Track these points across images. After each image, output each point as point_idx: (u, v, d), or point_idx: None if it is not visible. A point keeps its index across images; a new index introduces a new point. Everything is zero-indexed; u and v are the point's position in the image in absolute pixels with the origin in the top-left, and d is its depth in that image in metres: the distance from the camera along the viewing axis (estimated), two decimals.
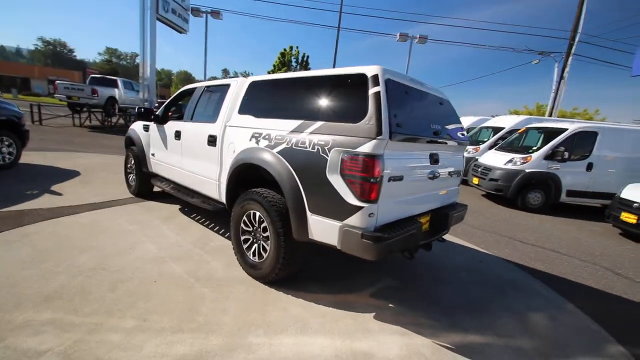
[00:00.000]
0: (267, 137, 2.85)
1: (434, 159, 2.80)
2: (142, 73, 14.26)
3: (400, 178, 2.40)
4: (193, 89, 4.38)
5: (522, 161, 7.54)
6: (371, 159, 2.17)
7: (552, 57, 21.33)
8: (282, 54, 32.87)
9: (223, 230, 4.18)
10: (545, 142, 7.91)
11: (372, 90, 2.28)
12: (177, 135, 4.18)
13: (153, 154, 4.88)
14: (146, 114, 4.70)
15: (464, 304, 2.97)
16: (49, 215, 4.04)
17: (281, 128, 2.76)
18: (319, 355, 2.10)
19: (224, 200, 3.47)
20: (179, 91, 4.71)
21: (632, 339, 2.69)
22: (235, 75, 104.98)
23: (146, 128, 5.06)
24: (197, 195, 3.96)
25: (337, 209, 2.33)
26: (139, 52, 14.13)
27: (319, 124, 2.49)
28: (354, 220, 2.26)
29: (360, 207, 2.22)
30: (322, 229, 2.45)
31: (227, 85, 3.66)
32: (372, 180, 2.19)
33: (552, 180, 7.35)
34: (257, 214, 2.88)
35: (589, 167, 7.27)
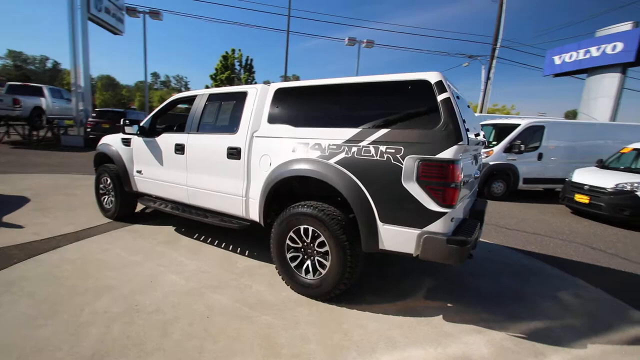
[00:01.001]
0: (317, 147, 2.70)
1: (476, 160, 2.94)
2: (74, 80, 12.54)
3: (466, 181, 2.47)
4: (191, 98, 3.97)
5: (484, 155, 8.30)
6: (453, 165, 2.20)
7: (479, 60, 23.79)
8: (225, 57, 31.69)
9: (240, 248, 3.86)
10: (497, 137, 8.84)
11: (441, 97, 2.30)
12: (179, 149, 3.75)
13: (139, 171, 4.31)
14: (139, 127, 4.13)
15: (504, 293, 3.16)
16: (23, 254, 3.32)
17: (334, 137, 2.64)
18: None
19: (254, 217, 3.20)
20: (169, 100, 4.24)
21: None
22: (167, 80, 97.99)
23: (126, 142, 4.45)
24: (214, 214, 3.60)
25: (416, 217, 2.31)
26: (69, 56, 12.38)
27: (382, 131, 2.43)
28: (436, 226, 2.26)
29: (443, 213, 2.23)
30: (396, 238, 2.40)
31: (243, 93, 3.39)
32: (453, 185, 2.21)
33: (511, 171, 8.24)
34: (310, 229, 2.72)
35: (540, 156, 8.31)
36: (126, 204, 4.67)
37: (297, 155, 2.80)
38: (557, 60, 22.20)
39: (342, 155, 2.56)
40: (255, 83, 35.37)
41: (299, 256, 2.86)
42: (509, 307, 2.90)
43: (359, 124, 2.57)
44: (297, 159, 2.78)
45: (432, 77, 2.40)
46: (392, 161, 2.35)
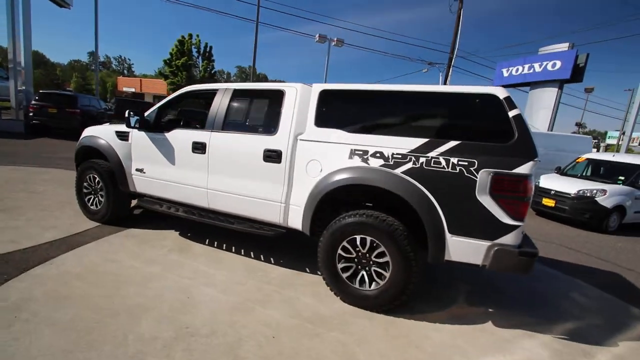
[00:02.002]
0: (379, 155, 2.62)
1: None
2: (13, 56, 10.75)
3: None
4: (210, 92, 3.62)
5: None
6: (527, 180, 2.28)
7: (436, 67, 25.20)
8: (181, 42, 29.65)
9: (262, 255, 3.63)
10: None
11: (512, 113, 2.37)
12: (199, 147, 3.39)
13: (140, 170, 3.84)
14: (141, 120, 3.64)
15: (530, 296, 3.40)
16: (11, 269, 2.77)
17: (397, 146, 2.58)
18: None
19: (294, 225, 3.03)
20: (180, 92, 3.81)
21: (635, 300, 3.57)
22: (107, 60, 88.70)
23: (123, 136, 3.93)
24: (243, 220, 3.33)
25: (487, 229, 2.36)
26: (6, 27, 10.58)
27: (452, 143, 2.44)
28: (508, 239, 2.32)
29: (516, 226, 2.31)
30: (464, 249, 2.43)
31: (279, 92, 3.17)
32: (525, 199, 2.30)
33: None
34: (368, 239, 2.64)
35: None
36: (120, 206, 4.13)
37: (355, 163, 2.69)
38: (506, 73, 24.27)
39: (409, 166, 2.52)
40: (214, 72, 33.81)
41: (351, 266, 2.76)
42: (540, 309, 3.12)
43: (424, 135, 2.55)
44: (357, 166, 2.67)
45: (500, 92, 2.45)
46: (466, 174, 2.36)
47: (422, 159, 2.49)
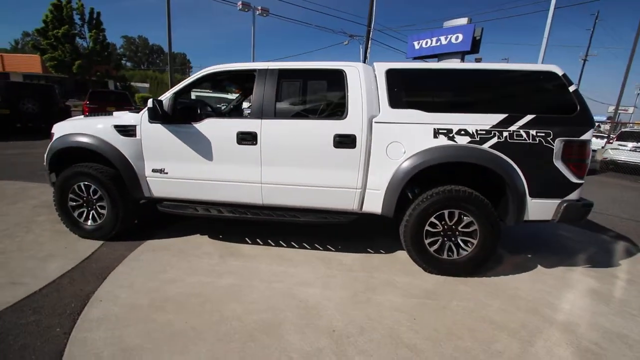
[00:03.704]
0: (463, 133, 2.75)
1: None
2: None
3: None
4: (246, 73, 3.19)
5: None
6: (588, 144, 2.72)
7: (356, 39, 26.04)
8: (57, 7, 24.04)
9: (315, 244, 3.51)
10: None
11: (572, 88, 2.75)
12: (247, 138, 3.01)
13: (160, 170, 3.23)
14: (158, 109, 2.99)
15: (546, 243, 4.12)
16: (57, 319, 2.14)
17: (479, 123, 2.75)
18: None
19: (372, 209, 3.02)
20: (202, 74, 3.23)
21: None
22: None
23: (128, 131, 3.21)
24: (310, 212, 3.13)
25: (560, 189, 2.77)
26: None
27: (529, 117, 2.72)
28: (574, 195, 2.78)
29: (580, 184, 2.76)
30: (540, 209, 2.82)
31: (338, 72, 2.99)
32: (587, 161, 2.76)
33: None
34: (456, 212, 2.83)
35: None
36: (129, 217, 3.43)
37: (442, 142, 2.77)
38: (417, 45, 26.37)
39: (494, 140, 2.73)
40: (107, 42, 28.19)
41: (437, 240, 2.93)
42: (561, 252, 3.83)
43: (501, 110, 2.77)
44: (445, 145, 2.76)
45: (557, 69, 2.80)
46: (544, 143, 2.69)
47: (505, 133, 2.72)
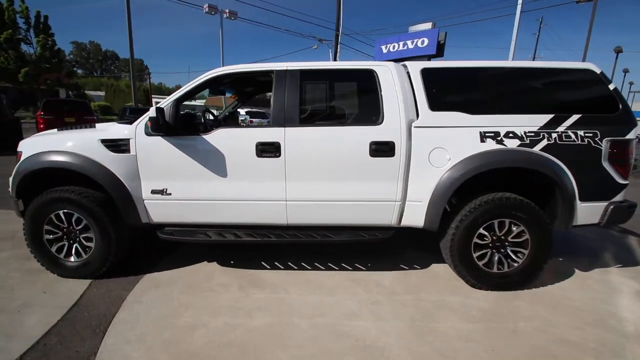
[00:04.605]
0: (512, 135, 2.54)
1: None
2: None
3: None
4: (260, 75, 2.80)
5: None
6: (632, 143, 2.63)
7: (325, 43, 26.04)
8: None
9: (357, 262, 3.15)
10: None
11: (611, 86, 2.65)
12: (269, 149, 2.60)
13: (161, 191, 2.73)
14: (159, 120, 2.49)
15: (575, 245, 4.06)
16: None
17: (526, 124, 2.56)
18: None
19: (412, 222, 2.73)
20: (207, 77, 2.76)
21: None
22: None
23: (119, 147, 2.68)
24: (342, 230, 2.78)
25: (608, 191, 2.64)
26: None
27: (575, 117, 2.57)
28: (620, 196, 2.66)
29: (625, 185, 2.66)
30: (589, 213, 2.67)
31: (367, 73, 2.69)
32: (631, 160, 2.66)
33: None
34: (507, 221, 2.61)
35: None
36: (123, 249, 2.87)
37: (490, 146, 2.54)
38: (384, 49, 26.84)
39: (544, 142, 2.54)
40: (57, 48, 25.68)
41: (486, 252, 2.69)
42: (588, 255, 3.77)
43: (546, 110, 2.60)
44: (495, 150, 2.53)
45: (594, 67, 2.70)
46: (593, 144, 2.55)
47: (554, 135, 2.55)
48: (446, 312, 2.41)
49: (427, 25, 25.21)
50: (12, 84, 23.39)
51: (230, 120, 4.17)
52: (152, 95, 40.47)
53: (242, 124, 3.18)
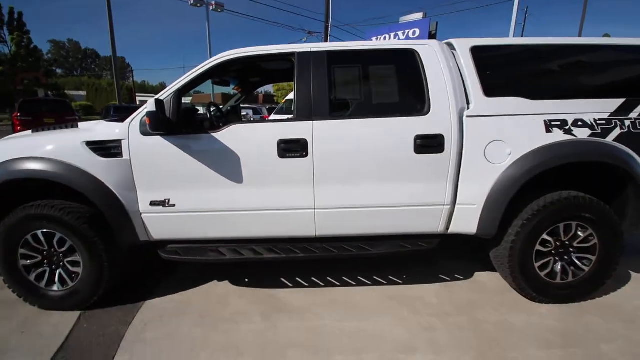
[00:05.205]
0: (581, 124, 2.15)
1: None
2: None
3: None
4: (277, 57, 2.34)
5: None
6: None
7: (314, 36, 25.44)
8: None
9: (390, 273, 2.74)
10: None
11: None
12: (294, 148, 2.16)
13: (163, 202, 2.25)
14: (158, 116, 2.01)
15: None
16: None
17: (595, 110, 2.17)
18: None
19: (462, 229, 2.33)
20: (214, 62, 2.28)
21: None
22: None
23: (108, 150, 2.19)
24: (380, 240, 2.36)
25: None
26: None
27: None
28: None
29: None
30: None
31: (409, 53, 2.26)
32: None
33: None
34: (574, 224, 2.24)
35: None
36: (118, 272, 2.39)
37: (557, 137, 2.14)
38: (375, 40, 26.59)
39: (617, 131, 2.16)
40: (34, 46, 24.23)
41: (549, 261, 2.32)
42: None
43: (616, 94, 2.22)
44: (564, 141, 2.13)
45: None
46: None
47: (627, 122, 2.17)
48: (516, 336, 2.03)
49: (418, 16, 24.84)
50: None
51: (233, 116, 3.69)
52: (137, 94, 39.14)
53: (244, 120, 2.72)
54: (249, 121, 2.70)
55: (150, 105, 1.96)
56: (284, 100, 13.25)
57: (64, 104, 11.46)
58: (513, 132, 2.17)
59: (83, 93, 41.28)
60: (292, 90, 2.34)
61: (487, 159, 2.19)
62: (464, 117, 2.18)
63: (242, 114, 4.66)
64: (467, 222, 2.30)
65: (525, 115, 2.17)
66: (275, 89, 32.06)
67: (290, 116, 2.45)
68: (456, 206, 2.29)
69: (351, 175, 2.22)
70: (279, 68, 3.07)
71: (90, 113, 27.77)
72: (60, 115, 10.07)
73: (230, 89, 3.65)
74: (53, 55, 64.36)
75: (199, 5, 16.88)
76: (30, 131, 2.59)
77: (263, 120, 7.84)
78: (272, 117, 11.33)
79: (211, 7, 17.36)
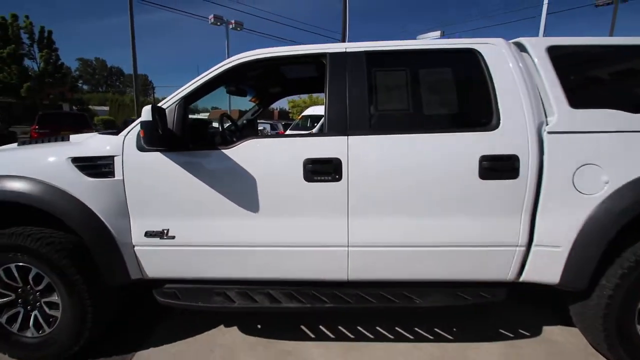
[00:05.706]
0: None
1: None
2: None
3: None
4: (302, 59, 1.93)
5: None
6: None
7: None
8: (1, 25, 21.43)
9: (435, 325, 2.21)
10: None
11: None
12: (325, 169, 1.72)
13: (160, 234, 1.83)
14: (152, 129, 1.61)
15: None
16: None
17: None
18: None
19: (543, 277, 1.80)
20: (230, 64, 1.89)
21: None
22: None
23: (98, 168, 1.80)
24: (428, 289, 1.85)
25: None
26: None
27: None
28: None
29: None
30: None
31: (470, 54, 1.82)
32: None
33: None
34: None
35: None
36: (104, 317, 1.95)
37: None
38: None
39: None
40: (61, 63, 25.25)
41: None
42: None
43: None
44: None
45: None
46: None
47: None
48: None
49: (436, 34, 24.82)
50: (15, 99, 22.98)
51: (249, 130, 3.30)
52: None
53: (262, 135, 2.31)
54: (268, 135, 2.28)
55: (145, 113, 1.56)
56: (300, 117, 13.00)
57: (82, 117, 11.53)
58: (611, 154, 1.66)
59: (106, 108, 42.67)
60: (308, 107, 1.93)
61: (575, 187, 1.68)
62: (544, 133, 1.69)
63: (259, 128, 4.30)
64: (546, 268, 1.78)
65: (627, 133, 1.67)
66: (291, 105, 32.06)
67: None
68: (532, 247, 1.77)
69: (395, 205, 1.75)
70: (304, 75, 2.69)
71: (111, 127, 28.45)
72: (77, 129, 10.03)
73: (246, 100, 3.27)
74: (80, 72, 67.54)
75: (218, 24, 17.17)
76: (15, 144, 2.25)
77: (284, 134, 7.46)
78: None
79: (230, 26, 17.62)
